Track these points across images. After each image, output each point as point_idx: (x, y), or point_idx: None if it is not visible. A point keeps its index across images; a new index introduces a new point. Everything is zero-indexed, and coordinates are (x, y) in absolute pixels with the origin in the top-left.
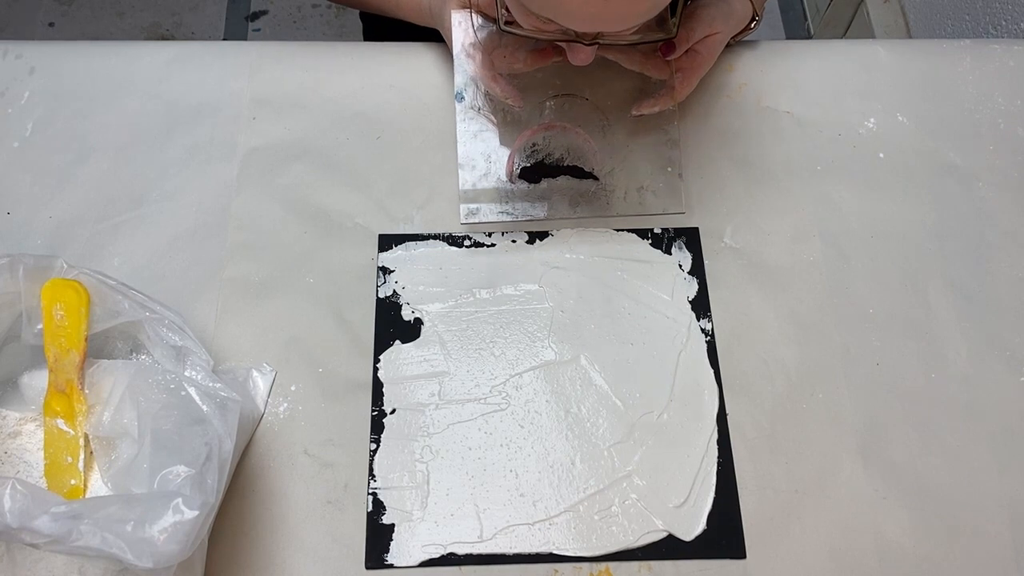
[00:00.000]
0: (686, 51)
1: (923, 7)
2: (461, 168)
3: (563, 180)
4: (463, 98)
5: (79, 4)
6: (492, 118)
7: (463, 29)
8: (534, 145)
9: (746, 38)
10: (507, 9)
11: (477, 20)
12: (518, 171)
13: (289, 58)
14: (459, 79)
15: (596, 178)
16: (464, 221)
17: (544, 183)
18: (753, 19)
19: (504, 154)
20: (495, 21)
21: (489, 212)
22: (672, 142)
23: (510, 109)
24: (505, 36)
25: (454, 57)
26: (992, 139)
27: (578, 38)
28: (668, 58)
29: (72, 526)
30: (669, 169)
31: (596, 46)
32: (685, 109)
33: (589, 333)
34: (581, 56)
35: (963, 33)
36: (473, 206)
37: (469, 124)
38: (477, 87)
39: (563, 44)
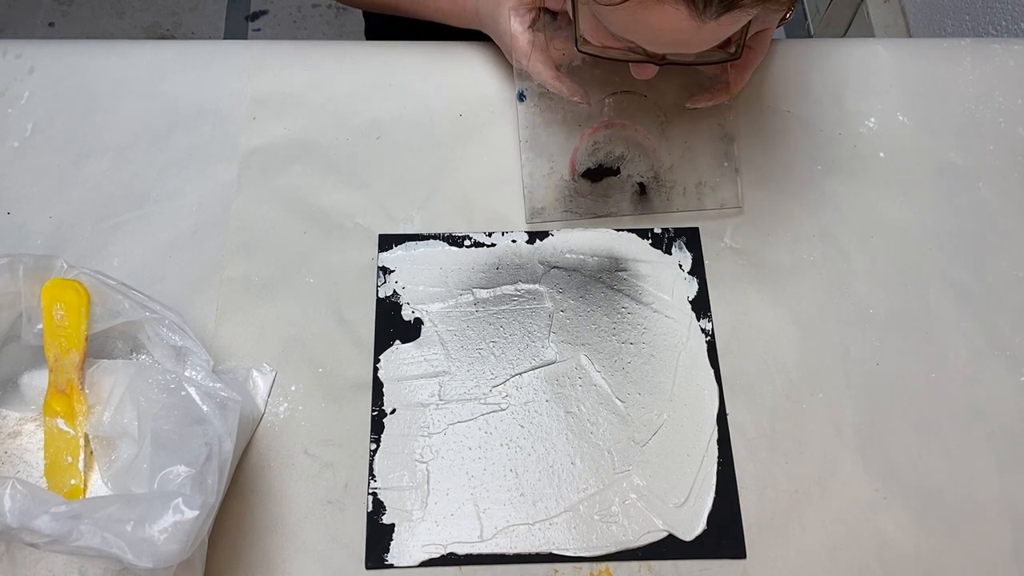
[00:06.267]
0: None
1: (923, 7)
2: (524, 168)
3: (624, 178)
4: (524, 98)
5: (79, 4)
6: (555, 118)
7: (523, 29)
8: (595, 143)
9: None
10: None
11: (532, 18)
12: (581, 170)
13: (289, 58)
14: (519, 80)
15: (657, 175)
16: (530, 221)
17: (606, 181)
18: (790, 9)
19: (566, 153)
20: (566, 28)
21: (553, 211)
22: (728, 137)
23: (570, 108)
24: (559, 30)
25: (514, 58)
26: (992, 139)
27: (648, 58)
28: None
29: (72, 526)
30: (725, 164)
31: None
32: (684, 110)
33: (589, 333)
34: (647, 72)
35: (963, 33)
36: (538, 206)
37: (531, 124)
38: (537, 87)
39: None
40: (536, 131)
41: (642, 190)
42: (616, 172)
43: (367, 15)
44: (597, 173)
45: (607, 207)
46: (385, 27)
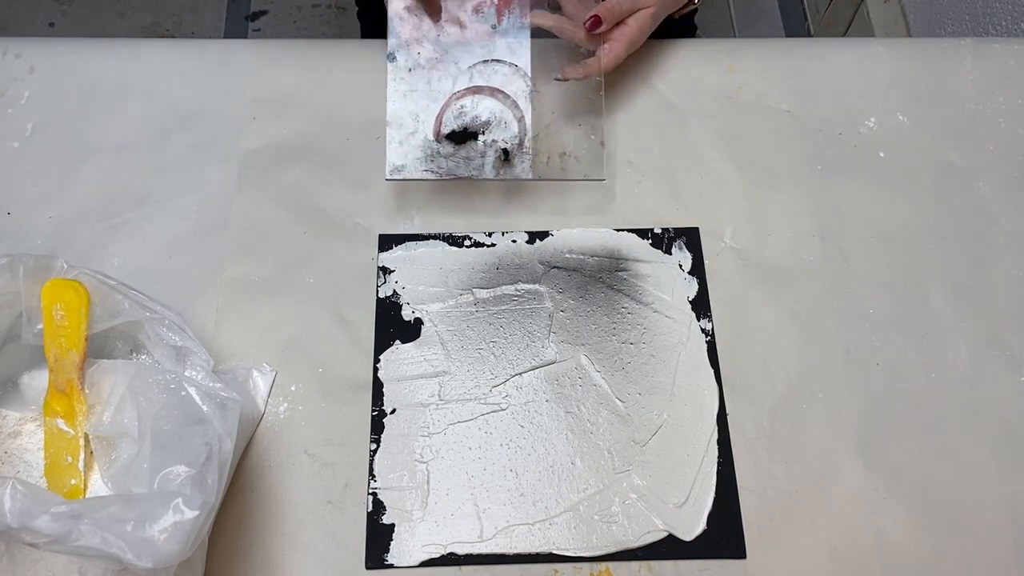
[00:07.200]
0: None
1: (923, 7)
2: (389, 126)
3: (488, 143)
4: (395, 59)
5: (79, 4)
6: (423, 79)
7: None
8: (462, 107)
9: (676, 19)
10: None
11: None
12: (446, 132)
13: (289, 58)
14: (392, 40)
15: (521, 142)
16: (389, 177)
17: (469, 144)
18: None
19: (432, 114)
20: None
21: (414, 169)
22: (596, 111)
23: (440, 71)
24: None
25: (388, 18)
26: (992, 139)
27: None
28: (595, 32)
29: (72, 526)
30: (592, 136)
31: None
32: (686, 109)
33: (589, 333)
34: None
35: (963, 33)
36: (399, 163)
37: (399, 84)
38: (409, 48)
39: None
40: (404, 91)
41: (505, 155)
42: (480, 136)
43: (360, 16)
44: (461, 136)
45: (468, 169)
46: (381, 28)
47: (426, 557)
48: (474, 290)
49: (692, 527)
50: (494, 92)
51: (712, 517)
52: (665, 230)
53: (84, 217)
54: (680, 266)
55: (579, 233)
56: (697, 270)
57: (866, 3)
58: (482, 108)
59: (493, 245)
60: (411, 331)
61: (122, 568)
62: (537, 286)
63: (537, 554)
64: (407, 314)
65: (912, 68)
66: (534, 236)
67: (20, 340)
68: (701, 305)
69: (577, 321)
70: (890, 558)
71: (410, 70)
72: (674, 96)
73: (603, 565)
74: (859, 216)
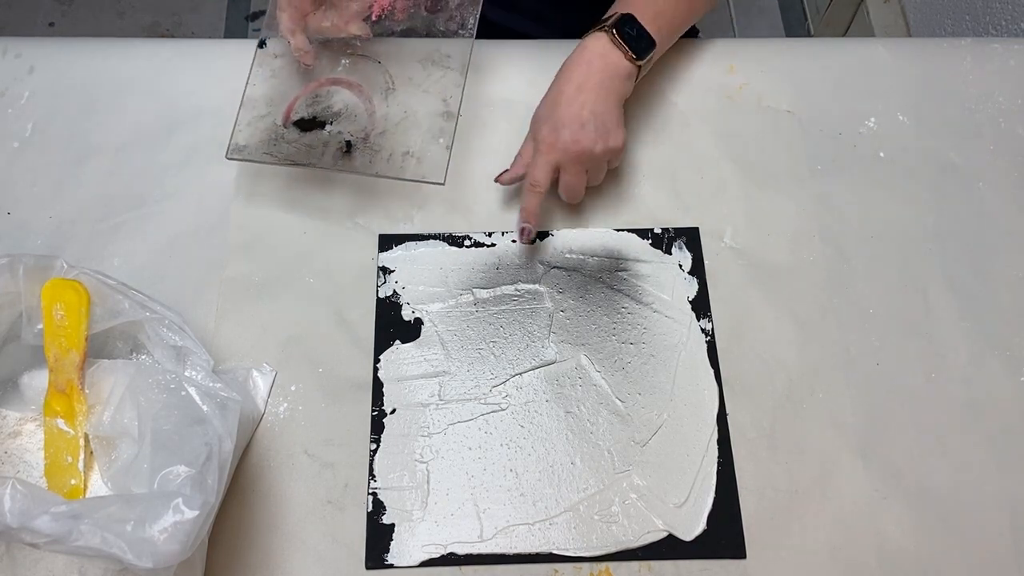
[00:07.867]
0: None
1: (923, 7)
2: (243, 107)
3: (333, 133)
4: (265, 45)
5: (79, 4)
6: (289, 68)
7: None
8: (316, 96)
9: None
10: None
11: None
12: (295, 118)
13: (289, 57)
14: (266, 29)
15: (367, 136)
16: (229, 156)
17: (314, 132)
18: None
19: (287, 100)
20: None
21: (255, 151)
22: (449, 115)
23: (309, 62)
24: None
25: (268, 11)
26: (992, 139)
27: None
28: (530, 241)
29: (72, 526)
30: (440, 140)
31: None
32: (686, 109)
33: (589, 333)
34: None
35: (963, 33)
36: (242, 143)
37: (263, 69)
38: (282, 37)
39: None
40: (266, 76)
41: (348, 147)
42: (326, 126)
43: None
44: (308, 124)
45: (308, 157)
46: None
47: (426, 557)
48: (474, 290)
49: (692, 527)
50: (351, 85)
51: (712, 517)
52: (665, 230)
53: (84, 217)
54: (680, 266)
55: (579, 233)
56: (697, 270)
57: (866, 3)
58: (337, 99)
59: (493, 245)
60: (411, 331)
61: (122, 568)
62: (537, 286)
63: (537, 554)
64: (407, 314)
65: (912, 68)
66: (534, 236)
67: (20, 340)
68: (701, 305)
69: (577, 321)
70: (890, 558)
71: (276, 56)
72: (674, 96)
73: (603, 565)
74: (859, 216)
